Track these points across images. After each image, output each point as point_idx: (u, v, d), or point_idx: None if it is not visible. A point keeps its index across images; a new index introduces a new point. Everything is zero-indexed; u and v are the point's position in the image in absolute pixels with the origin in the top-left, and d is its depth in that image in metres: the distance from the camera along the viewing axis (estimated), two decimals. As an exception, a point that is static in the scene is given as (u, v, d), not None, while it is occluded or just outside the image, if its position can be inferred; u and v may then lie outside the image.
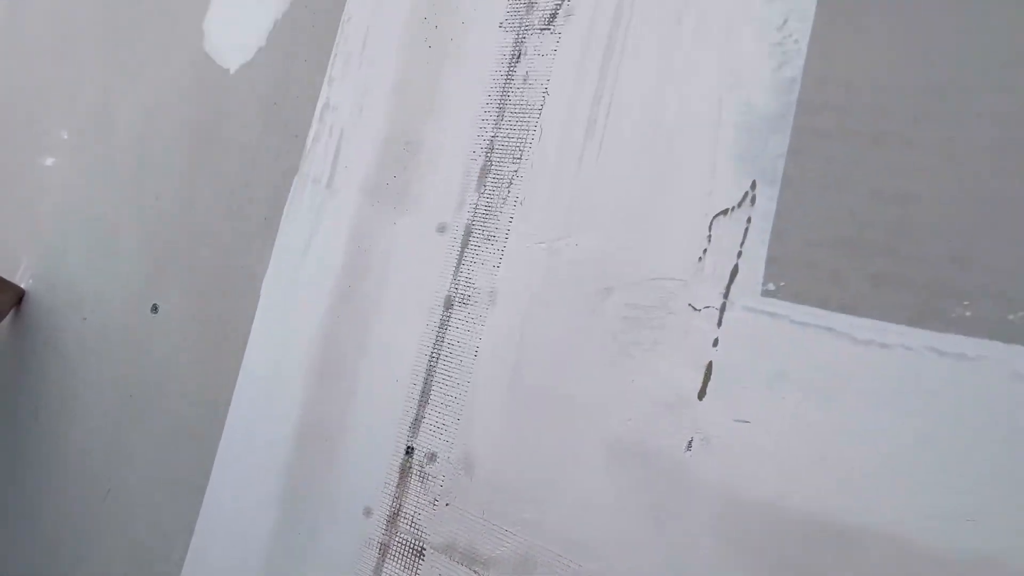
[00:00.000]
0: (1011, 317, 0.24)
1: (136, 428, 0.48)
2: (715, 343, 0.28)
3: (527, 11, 0.38)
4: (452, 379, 0.34)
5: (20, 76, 0.70)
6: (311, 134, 0.45)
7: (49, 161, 0.64)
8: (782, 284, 0.27)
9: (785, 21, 0.29)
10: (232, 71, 0.51)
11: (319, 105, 0.45)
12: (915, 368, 0.24)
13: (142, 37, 0.61)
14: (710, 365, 0.27)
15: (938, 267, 0.24)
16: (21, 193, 0.64)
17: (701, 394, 0.27)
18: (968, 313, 0.23)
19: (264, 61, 0.49)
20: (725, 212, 0.29)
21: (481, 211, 0.36)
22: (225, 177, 0.49)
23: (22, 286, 0.61)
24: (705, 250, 0.29)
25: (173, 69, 0.56)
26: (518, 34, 0.37)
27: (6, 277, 0.61)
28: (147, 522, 0.45)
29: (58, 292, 0.58)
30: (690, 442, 0.27)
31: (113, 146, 0.59)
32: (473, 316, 0.34)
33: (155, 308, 0.49)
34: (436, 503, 0.33)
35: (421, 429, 0.35)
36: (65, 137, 0.64)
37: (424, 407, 0.35)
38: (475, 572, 0.31)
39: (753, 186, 0.28)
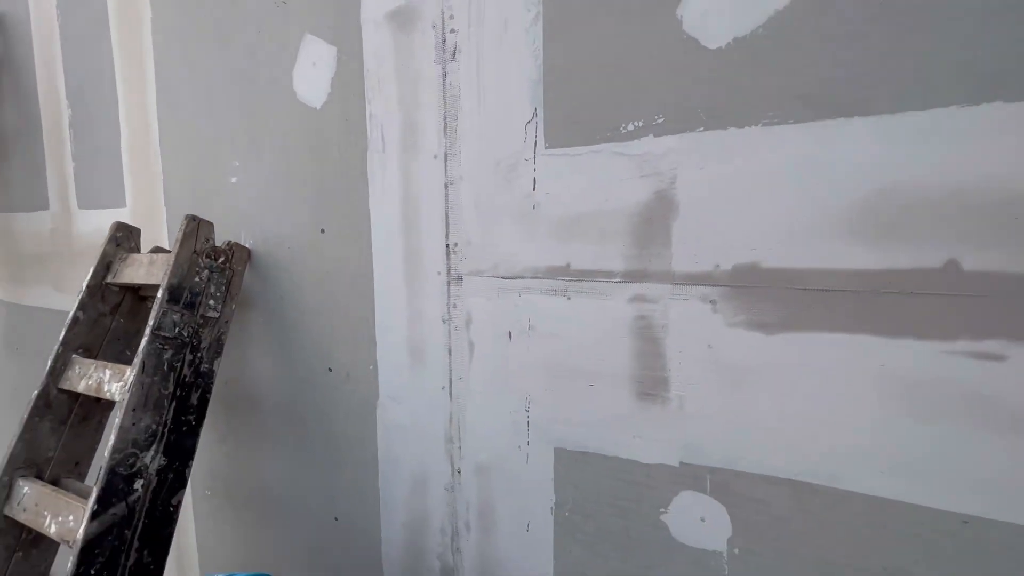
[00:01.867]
0: (628, 128, 0.73)
1: (333, 287, 1.06)
2: (534, 170, 0.79)
3: (443, 50, 0.86)
4: (459, 223, 0.88)
5: (198, 132, 1.25)
6: (368, 129, 0.96)
7: (233, 179, 1.20)
8: (549, 143, 0.77)
9: (534, 43, 0.77)
10: (318, 107, 1.03)
11: (367, 113, 0.96)
12: (593, 160, 0.74)
13: (259, 97, 1.12)
14: (535, 180, 0.79)
15: (600, 121, 0.73)
16: (225, 199, 1.21)
17: (534, 187, 0.79)
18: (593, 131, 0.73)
19: (334, 99, 1.00)
20: (530, 120, 0.78)
21: (449, 144, 0.87)
22: (332, 158, 1.02)
23: (247, 247, 1.19)
24: (524, 138, 0.79)
25: (287, 112, 1.07)
26: (443, 65, 0.86)
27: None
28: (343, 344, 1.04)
29: (269, 243, 1.15)
30: (534, 206, 0.79)
31: (265, 163, 1.13)
32: (459, 188, 0.87)
33: (323, 231, 1.05)
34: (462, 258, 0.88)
35: (449, 229, 0.89)
36: (237, 164, 1.18)
37: (447, 235, 0.89)
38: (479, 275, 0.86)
39: (535, 111, 0.77)
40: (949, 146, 0.54)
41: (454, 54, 0.85)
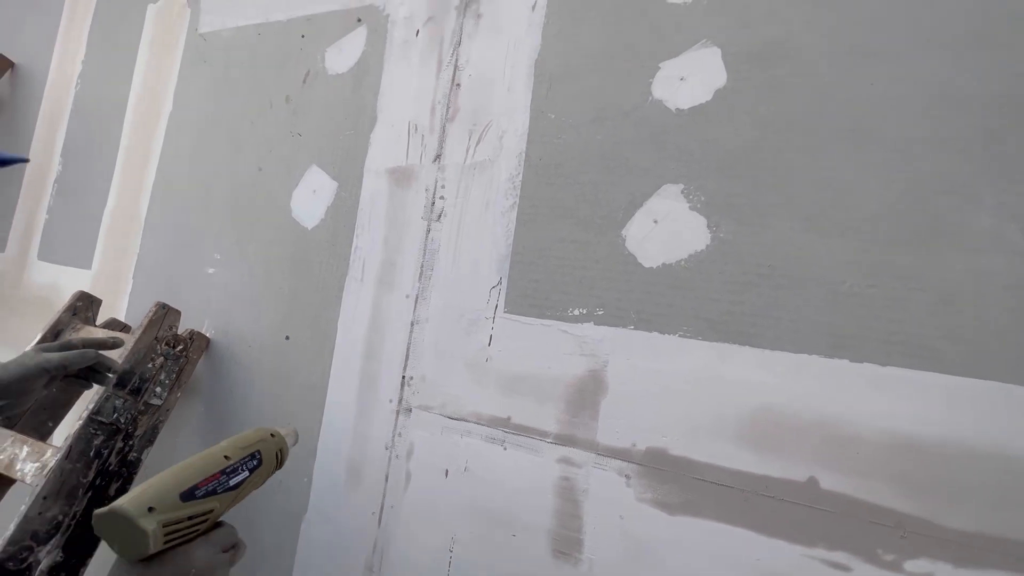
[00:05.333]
0: (574, 313, 0.86)
1: (285, 393, 1.10)
2: (492, 328, 0.90)
3: (431, 211, 1.00)
4: (418, 359, 0.97)
5: (188, 219, 1.32)
6: (351, 258, 1.07)
7: (211, 270, 1.26)
8: (509, 308, 0.89)
9: (507, 226, 0.92)
10: (309, 229, 1.14)
11: (353, 245, 1.07)
12: (543, 331, 0.86)
13: (254, 205, 1.23)
14: (491, 336, 0.90)
15: (552, 302, 0.87)
16: (197, 287, 1.26)
17: (489, 343, 0.90)
18: (553, 310, 0.86)
19: (325, 225, 1.12)
20: (495, 286, 0.91)
21: (422, 288, 0.98)
22: (312, 275, 1.11)
23: (207, 335, 1.22)
24: (488, 300, 0.91)
25: (278, 226, 1.18)
26: (429, 223, 1.00)
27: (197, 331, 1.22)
28: (296, 428, 1.07)
29: (230, 336, 1.20)
30: (487, 359, 0.90)
31: (246, 263, 1.21)
32: (424, 328, 0.97)
33: (288, 337, 1.11)
34: (412, 389, 0.95)
35: (408, 362, 0.97)
36: (218, 257, 1.25)
37: (405, 368, 0.97)
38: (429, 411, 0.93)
39: (500, 279, 0.91)
40: (812, 385, 0.70)
41: (440, 216, 0.99)
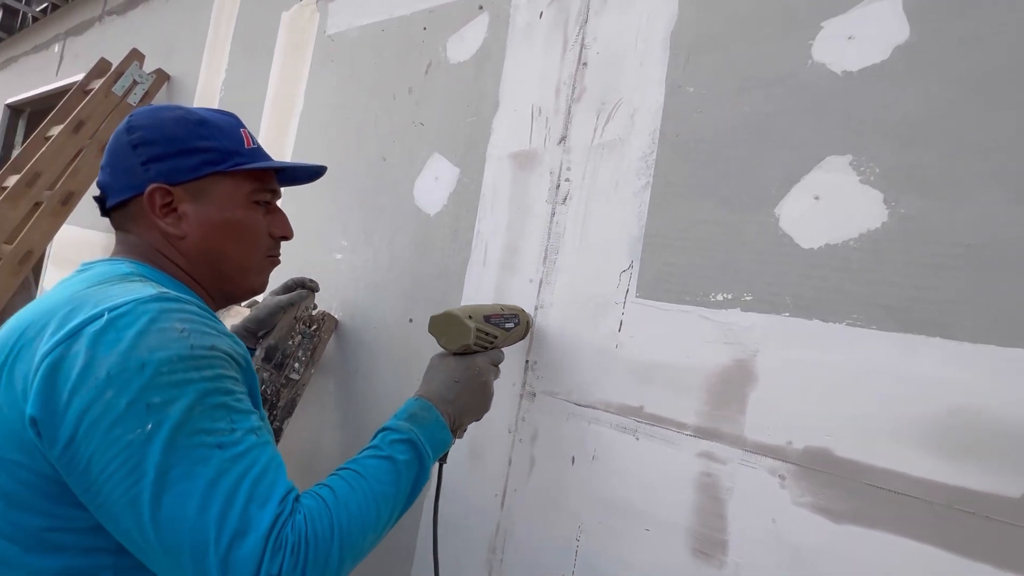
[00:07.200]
0: (717, 298, 0.80)
1: (408, 373, 1.14)
2: (622, 313, 0.87)
3: (555, 194, 0.98)
4: (542, 344, 0.96)
5: (318, 209, 1.41)
6: (473, 243, 1.08)
7: (338, 256, 1.34)
8: (641, 293, 0.85)
9: (639, 207, 0.88)
10: (431, 215, 1.17)
11: (475, 230, 1.08)
12: (680, 317, 0.82)
13: (379, 194, 1.28)
14: (621, 322, 0.86)
15: (691, 287, 0.82)
16: (326, 272, 1.34)
17: (619, 328, 0.87)
18: (687, 296, 0.81)
19: (447, 211, 1.14)
20: (626, 270, 0.88)
21: (546, 272, 0.97)
22: (434, 260, 1.14)
23: (336, 317, 1.30)
24: (618, 284, 0.88)
25: (402, 212, 1.22)
26: (553, 206, 0.98)
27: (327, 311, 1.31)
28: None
29: (355, 318, 1.26)
30: (616, 345, 0.86)
31: (371, 249, 1.27)
32: (548, 313, 0.96)
33: (411, 320, 1.15)
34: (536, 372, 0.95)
35: (531, 347, 0.97)
36: (345, 244, 1.33)
37: (528, 352, 0.97)
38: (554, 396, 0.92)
39: (631, 263, 0.87)
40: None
41: (565, 199, 0.97)
